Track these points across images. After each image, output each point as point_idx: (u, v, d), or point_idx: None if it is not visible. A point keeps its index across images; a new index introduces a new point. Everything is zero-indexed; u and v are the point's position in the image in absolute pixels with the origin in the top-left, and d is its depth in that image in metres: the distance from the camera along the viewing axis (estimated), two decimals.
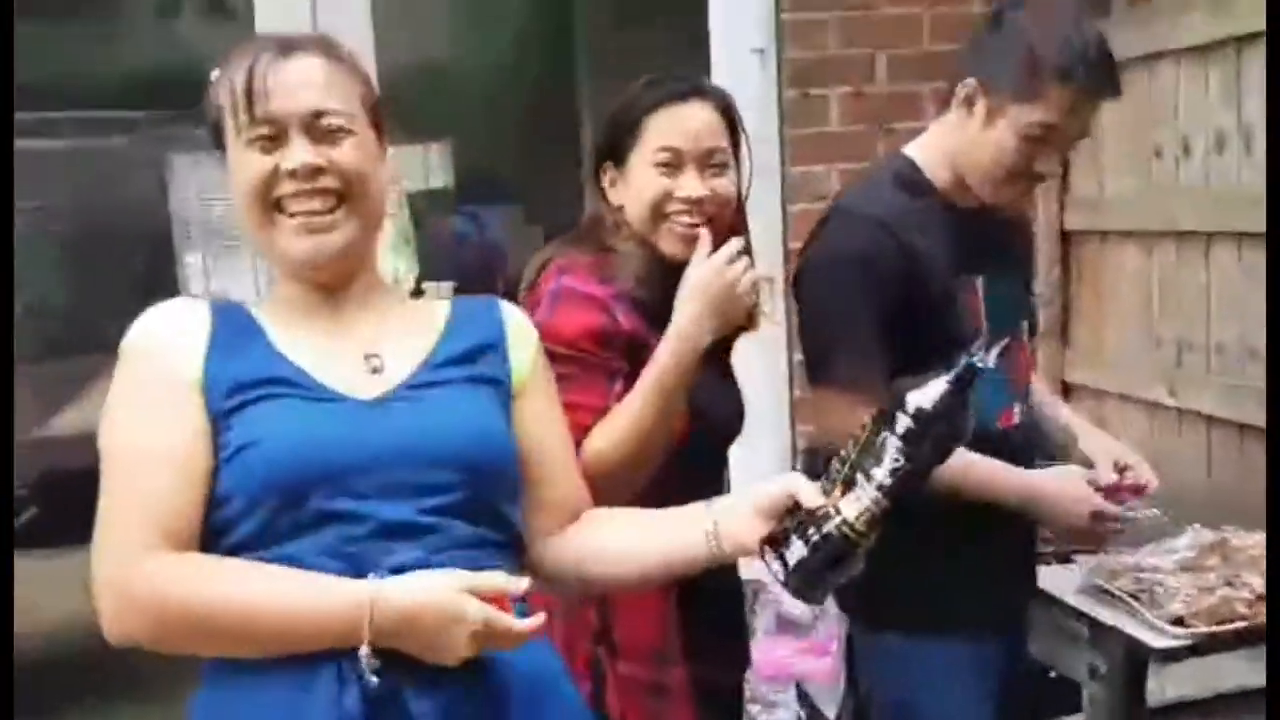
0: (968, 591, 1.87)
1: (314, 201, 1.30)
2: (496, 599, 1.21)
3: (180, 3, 4.29)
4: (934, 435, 1.25)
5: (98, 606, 1.23)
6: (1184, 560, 2.10)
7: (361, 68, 1.39)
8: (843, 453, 1.28)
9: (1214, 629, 1.95)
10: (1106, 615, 2.04)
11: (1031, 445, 2.02)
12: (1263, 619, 1.94)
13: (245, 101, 1.30)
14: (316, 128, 1.31)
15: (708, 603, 1.77)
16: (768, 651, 2.62)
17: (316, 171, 1.30)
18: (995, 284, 1.90)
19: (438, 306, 1.46)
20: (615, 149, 1.79)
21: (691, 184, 1.74)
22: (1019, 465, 1.89)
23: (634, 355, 1.71)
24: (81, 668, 3.88)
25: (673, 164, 1.74)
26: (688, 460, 1.71)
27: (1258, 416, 2.40)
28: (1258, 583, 2.00)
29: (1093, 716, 2.08)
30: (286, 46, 1.33)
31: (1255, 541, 2.13)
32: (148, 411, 1.26)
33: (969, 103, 1.84)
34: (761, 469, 2.72)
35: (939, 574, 1.84)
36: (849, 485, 1.25)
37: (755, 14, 2.92)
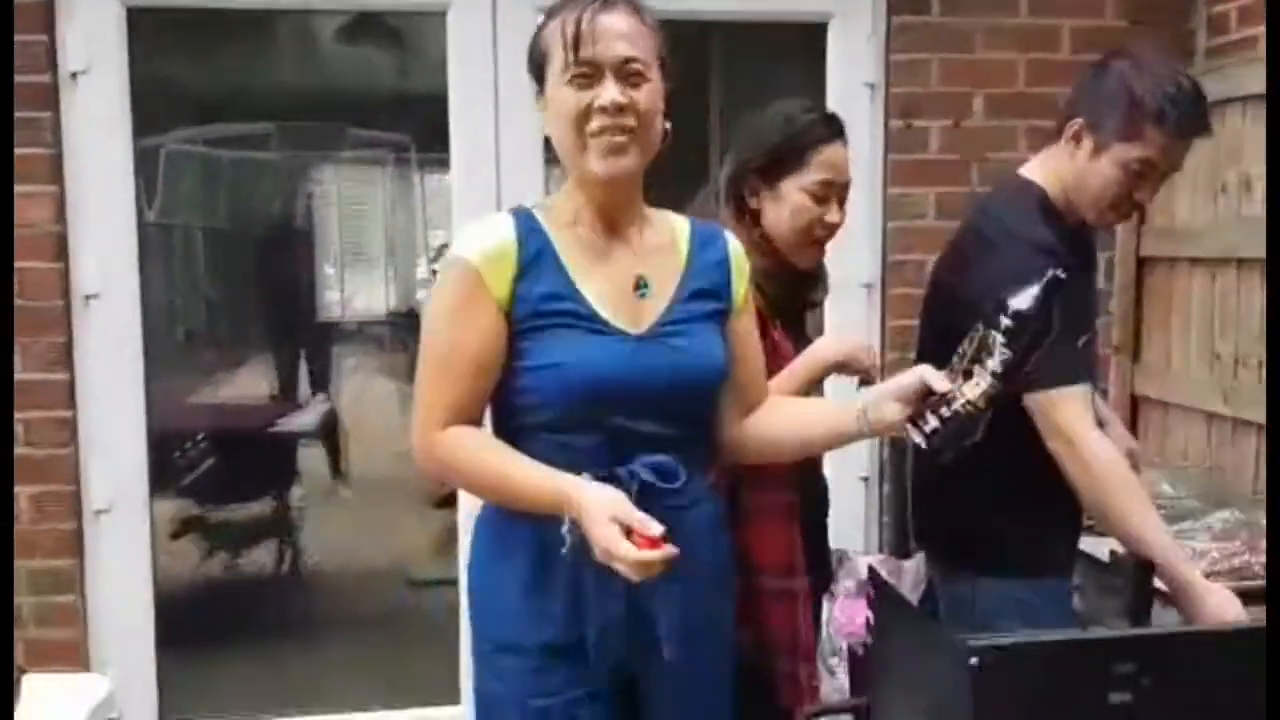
0: (1045, 538, 2.12)
1: (616, 135, 1.62)
2: (648, 536, 1.53)
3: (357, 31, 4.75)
4: (1030, 331, 1.58)
5: (415, 455, 1.70)
6: (1216, 532, 2.41)
7: (658, 25, 1.68)
8: (960, 350, 1.63)
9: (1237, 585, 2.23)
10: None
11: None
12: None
13: (572, 45, 1.60)
14: (624, 71, 1.61)
15: (814, 531, 2.15)
16: (848, 611, 2.85)
17: (621, 109, 1.61)
18: (1087, 290, 2.21)
19: (679, 223, 1.80)
20: (772, 170, 2.06)
21: (836, 213, 2.09)
22: None
23: None
24: (221, 605, 4.36)
25: (823, 195, 2.05)
26: None
27: None
28: None
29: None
30: (606, 1, 1.63)
31: None
32: (466, 319, 1.64)
33: (1077, 139, 2.08)
34: None
35: (1021, 522, 2.08)
36: (967, 375, 1.61)
37: (866, 52, 3.24)
